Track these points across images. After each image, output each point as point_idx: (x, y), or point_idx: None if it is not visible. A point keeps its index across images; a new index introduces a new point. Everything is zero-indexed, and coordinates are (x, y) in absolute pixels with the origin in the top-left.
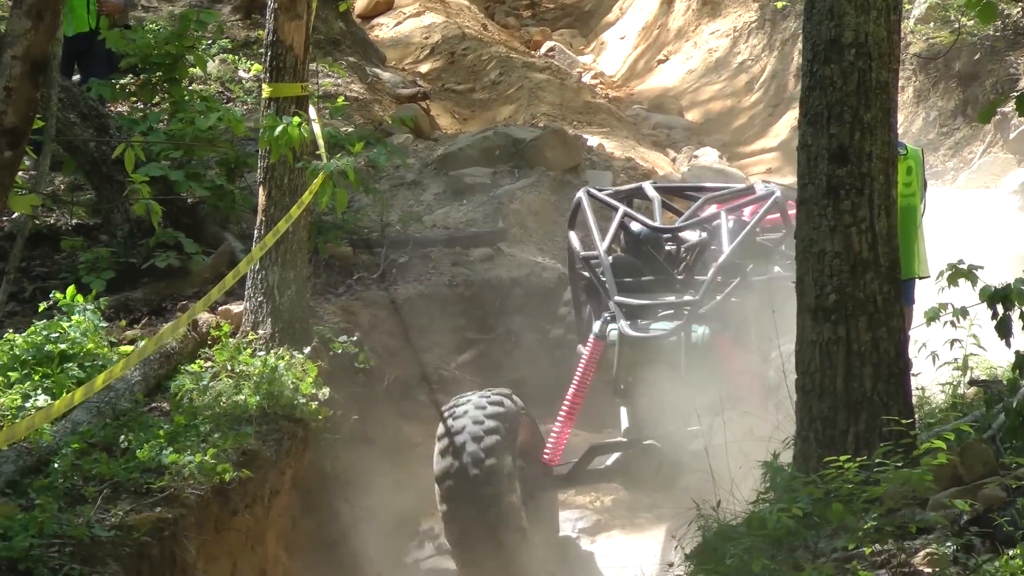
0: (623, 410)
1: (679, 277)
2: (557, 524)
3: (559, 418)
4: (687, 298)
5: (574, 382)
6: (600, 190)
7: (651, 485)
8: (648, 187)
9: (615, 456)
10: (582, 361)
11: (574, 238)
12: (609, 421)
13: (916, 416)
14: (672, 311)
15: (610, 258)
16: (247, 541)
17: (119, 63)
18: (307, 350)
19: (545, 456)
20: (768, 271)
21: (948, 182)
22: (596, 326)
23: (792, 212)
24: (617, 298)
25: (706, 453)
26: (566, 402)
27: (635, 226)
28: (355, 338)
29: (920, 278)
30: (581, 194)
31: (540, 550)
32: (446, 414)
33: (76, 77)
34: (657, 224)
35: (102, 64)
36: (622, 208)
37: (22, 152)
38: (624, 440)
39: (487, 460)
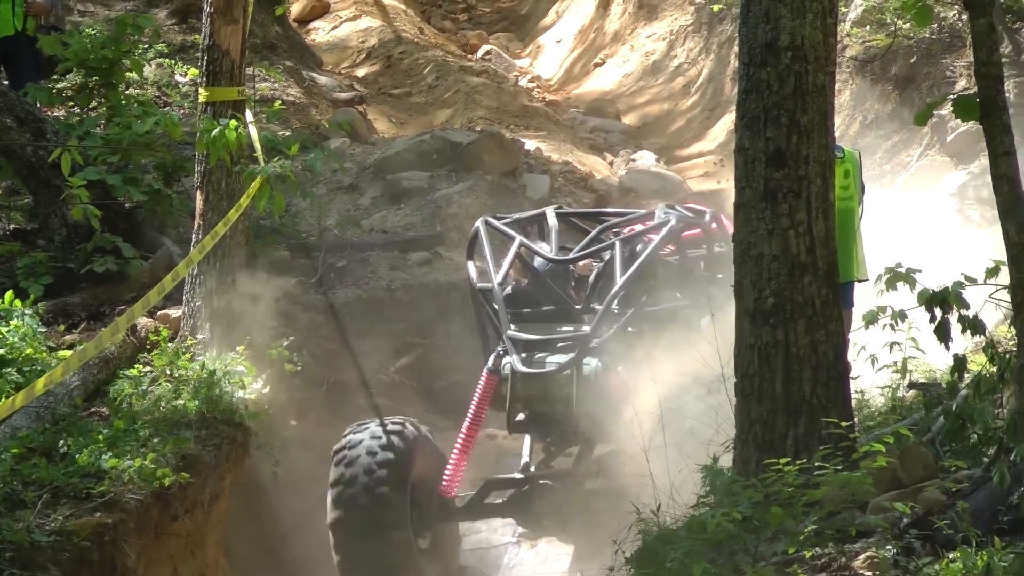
0: (526, 440)
1: (577, 307)
2: (457, 554)
3: (454, 450)
4: (581, 331)
5: (468, 415)
6: (499, 218)
7: (545, 524)
8: (550, 213)
9: (510, 492)
10: (476, 394)
11: (472, 268)
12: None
13: (856, 419)
14: (566, 344)
15: (508, 289)
16: (187, 546)
17: (48, 66)
18: (239, 348)
19: (442, 487)
20: (668, 299)
21: (886, 185)
22: (490, 360)
23: (690, 234)
24: (509, 332)
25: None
26: (461, 434)
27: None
28: (288, 340)
29: (858, 281)
30: (479, 224)
31: None
32: (342, 443)
33: (5, 82)
34: (551, 255)
35: (30, 67)
36: (518, 238)
37: None
38: (520, 477)
39: (378, 489)
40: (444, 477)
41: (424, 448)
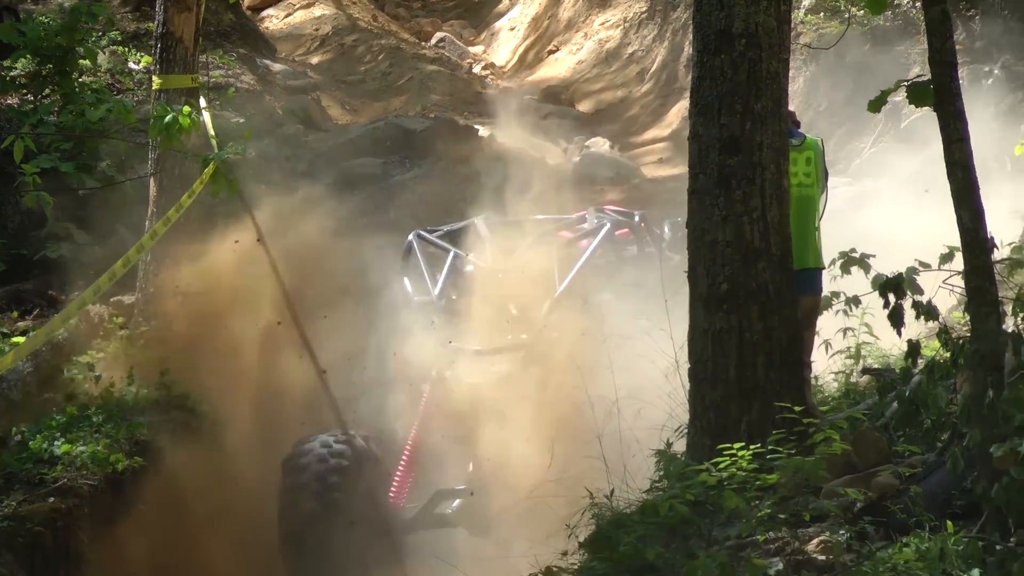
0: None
1: (514, 313)
2: (403, 565)
3: (401, 462)
4: (521, 338)
5: (414, 426)
6: (432, 231)
7: (490, 533)
8: (480, 223)
9: (457, 502)
10: (421, 405)
11: (407, 284)
12: None
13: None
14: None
15: (442, 301)
16: (141, 531)
17: (2, 52)
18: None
19: (391, 497)
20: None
21: (840, 172)
22: (432, 372)
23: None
24: (451, 344)
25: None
26: (408, 445)
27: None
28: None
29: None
30: (411, 238)
31: None
32: (292, 454)
33: None
34: (486, 266)
35: None
36: (452, 250)
37: None
38: (465, 488)
39: (328, 496)
40: (392, 488)
41: (371, 460)
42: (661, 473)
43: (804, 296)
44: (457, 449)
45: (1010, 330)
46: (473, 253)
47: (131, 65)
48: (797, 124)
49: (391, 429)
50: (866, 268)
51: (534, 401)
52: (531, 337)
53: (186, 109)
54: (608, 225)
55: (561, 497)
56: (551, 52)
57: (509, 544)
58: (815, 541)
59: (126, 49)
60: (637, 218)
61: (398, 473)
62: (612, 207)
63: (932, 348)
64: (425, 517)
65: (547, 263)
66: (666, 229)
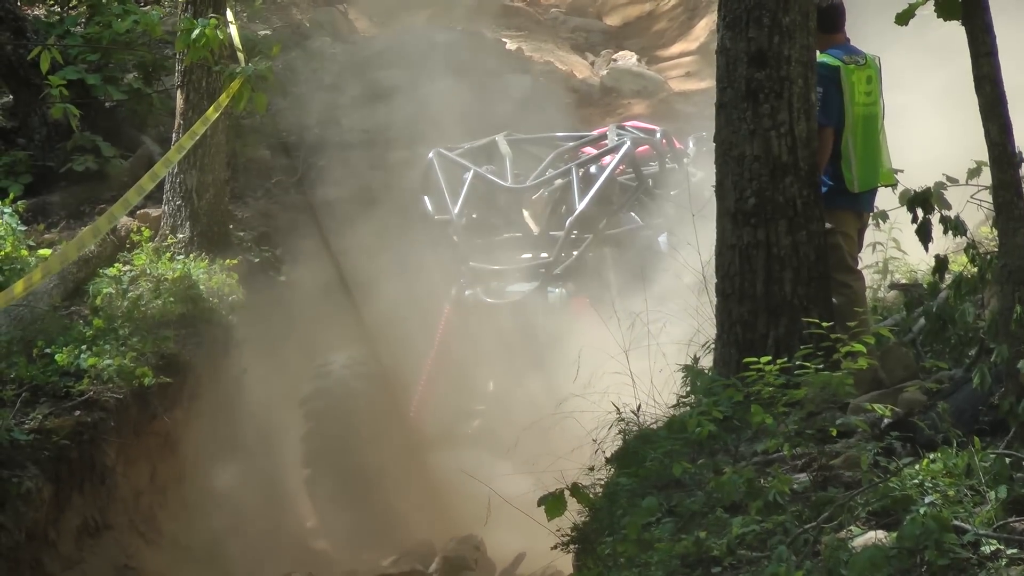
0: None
1: (535, 234)
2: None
3: (421, 380)
4: (541, 258)
5: (434, 346)
6: (451, 150)
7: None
8: (501, 140)
9: (477, 422)
10: (440, 325)
11: (427, 202)
12: None
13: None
14: (529, 273)
15: (463, 220)
16: (166, 445)
17: None
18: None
19: (411, 414)
20: (627, 222)
21: None
22: (452, 291)
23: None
24: (472, 263)
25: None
26: (428, 363)
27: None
28: (279, 251)
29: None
30: (432, 156)
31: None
32: (318, 363)
33: None
34: (507, 184)
35: None
36: (473, 169)
37: None
38: (484, 408)
39: (350, 401)
40: (412, 405)
41: (393, 376)
42: (688, 388)
43: (866, 212)
44: (477, 369)
45: None
46: (494, 171)
47: None
48: (848, 41)
49: (412, 346)
50: (894, 183)
51: (556, 319)
52: (552, 256)
53: (213, 22)
54: (628, 143)
55: (587, 412)
56: None
57: (534, 458)
58: (842, 457)
59: None
60: (659, 134)
61: (418, 391)
62: (634, 123)
63: (960, 263)
64: (445, 436)
65: (567, 181)
66: (691, 144)
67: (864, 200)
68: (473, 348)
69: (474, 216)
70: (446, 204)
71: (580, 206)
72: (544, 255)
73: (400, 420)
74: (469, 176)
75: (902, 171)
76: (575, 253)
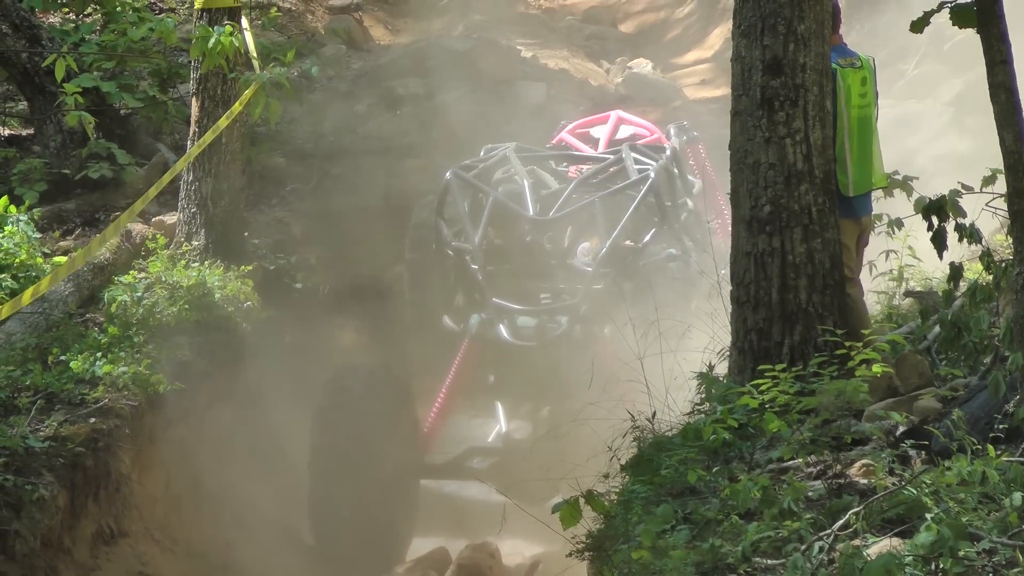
0: (498, 407)
1: (552, 263)
2: (415, 514)
3: (433, 411)
4: (566, 299)
5: (449, 378)
6: (467, 169)
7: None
8: (513, 156)
9: (491, 461)
10: (458, 358)
11: (444, 227)
12: None
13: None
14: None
15: (483, 248)
16: (181, 452)
17: None
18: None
19: (421, 441)
20: (655, 253)
21: (882, 94)
22: (472, 325)
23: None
24: (495, 301)
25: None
26: (441, 397)
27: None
28: (294, 259)
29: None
30: (449, 177)
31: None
32: (336, 376)
33: None
34: (531, 215)
35: None
36: (492, 195)
37: None
38: (498, 447)
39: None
40: (423, 437)
41: (409, 399)
42: (703, 396)
43: (863, 216)
44: (492, 407)
45: None
46: (513, 191)
47: None
48: (842, 42)
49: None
50: (909, 191)
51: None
52: (578, 298)
53: (228, 29)
54: (652, 176)
55: (602, 420)
56: None
57: (549, 466)
58: (857, 464)
59: None
60: (668, 152)
61: (429, 419)
62: (644, 141)
63: (975, 271)
64: (454, 468)
65: (590, 215)
66: (672, 132)
67: (859, 204)
68: (491, 385)
69: (496, 242)
70: (465, 230)
71: (607, 242)
72: (567, 295)
73: (414, 437)
74: (489, 202)
75: (917, 178)
76: (599, 286)
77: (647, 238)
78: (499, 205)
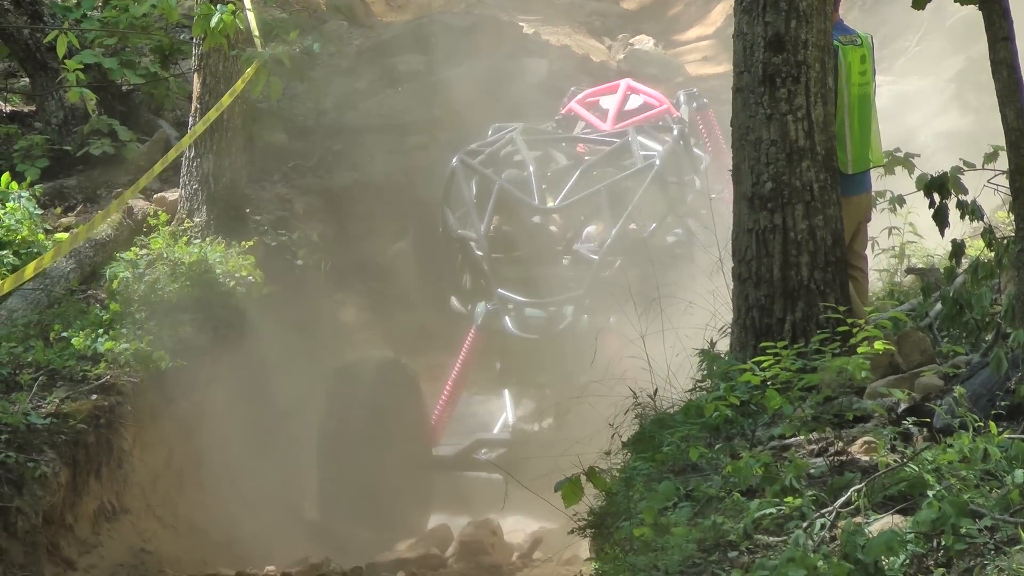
0: (506, 396)
1: (559, 249)
2: (428, 504)
3: (440, 403)
4: (572, 294)
5: (455, 369)
6: (473, 155)
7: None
8: (519, 139)
9: (499, 452)
10: (464, 350)
11: (449, 215)
12: None
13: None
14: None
15: (488, 236)
16: (183, 429)
17: None
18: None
19: (429, 432)
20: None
21: (884, 71)
22: (478, 315)
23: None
24: (501, 292)
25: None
26: (447, 388)
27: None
28: (295, 235)
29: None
30: (455, 163)
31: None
32: (347, 364)
33: None
34: (535, 204)
35: None
36: (498, 182)
37: None
38: (507, 439)
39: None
40: (429, 429)
41: (418, 391)
42: (704, 372)
43: (863, 194)
44: (497, 395)
45: None
46: (519, 177)
47: None
48: (841, 20)
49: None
50: (911, 168)
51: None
52: (584, 290)
53: (230, 7)
54: (657, 163)
55: (604, 397)
56: None
57: (552, 444)
58: (859, 441)
59: None
60: (676, 131)
61: (436, 410)
62: (653, 112)
63: (976, 248)
64: (461, 460)
65: (596, 202)
66: (681, 99)
67: (857, 182)
68: (497, 376)
69: (504, 228)
70: (470, 218)
71: (613, 231)
72: (574, 284)
73: (418, 433)
74: (495, 190)
75: (918, 155)
76: (604, 274)
77: (652, 227)
78: (505, 193)
